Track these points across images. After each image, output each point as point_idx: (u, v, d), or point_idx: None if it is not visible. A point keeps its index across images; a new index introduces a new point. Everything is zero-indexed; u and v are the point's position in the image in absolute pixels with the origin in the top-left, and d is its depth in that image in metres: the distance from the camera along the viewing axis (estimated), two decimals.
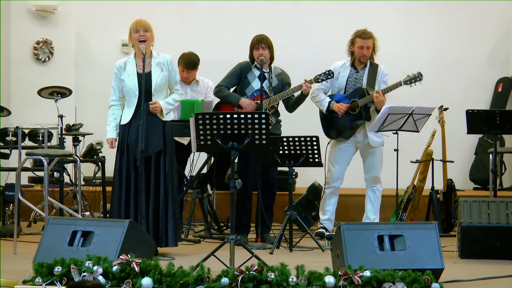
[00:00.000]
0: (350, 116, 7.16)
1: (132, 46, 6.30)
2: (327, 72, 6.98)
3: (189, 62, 7.52)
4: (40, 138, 7.50)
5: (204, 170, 7.71)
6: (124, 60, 6.34)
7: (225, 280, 4.62)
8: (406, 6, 9.68)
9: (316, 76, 6.98)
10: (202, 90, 7.62)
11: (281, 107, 7.16)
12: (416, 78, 7.09)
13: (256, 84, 6.96)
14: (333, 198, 7.33)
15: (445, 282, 4.89)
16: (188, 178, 7.49)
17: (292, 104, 7.09)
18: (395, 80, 7.13)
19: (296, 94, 7.03)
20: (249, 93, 6.98)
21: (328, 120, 7.26)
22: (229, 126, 5.49)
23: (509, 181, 9.59)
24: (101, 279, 4.71)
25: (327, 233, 7.08)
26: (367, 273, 4.64)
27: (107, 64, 8.89)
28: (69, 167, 8.13)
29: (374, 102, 7.07)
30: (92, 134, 8.24)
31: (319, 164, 6.80)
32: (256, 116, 5.50)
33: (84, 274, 4.73)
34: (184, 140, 7.41)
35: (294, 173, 7.54)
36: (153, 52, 6.30)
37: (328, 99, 7.21)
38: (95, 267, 4.74)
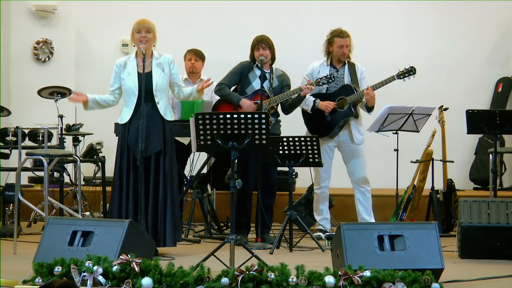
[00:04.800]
0: (338, 113, 7.15)
1: (134, 46, 6.31)
2: (328, 76, 6.98)
3: (198, 51, 7.79)
4: (40, 138, 7.49)
5: (204, 170, 7.71)
6: (124, 59, 6.35)
7: (225, 280, 4.62)
8: (407, 6, 9.70)
9: (317, 80, 6.99)
10: (207, 90, 7.64)
11: (280, 108, 7.16)
12: (409, 72, 7.09)
13: (256, 84, 6.96)
14: (325, 197, 7.34)
15: (445, 282, 4.89)
16: (188, 178, 7.50)
17: (289, 106, 7.08)
18: (384, 78, 7.13)
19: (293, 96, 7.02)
20: (250, 92, 6.98)
21: (315, 119, 7.23)
22: (229, 126, 5.48)
23: (509, 181, 9.59)
24: (101, 279, 4.71)
25: (327, 234, 7.07)
26: (367, 273, 4.64)
27: (107, 64, 8.87)
28: (69, 167, 8.13)
29: (363, 98, 7.07)
30: (92, 134, 8.24)
31: (319, 164, 6.79)
32: (256, 116, 5.50)
33: (84, 274, 4.73)
34: (185, 140, 7.42)
35: (294, 173, 7.54)
36: (154, 53, 6.31)
37: (312, 98, 7.18)
38: (95, 267, 4.74)
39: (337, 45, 7.16)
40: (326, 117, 7.15)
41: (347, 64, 7.22)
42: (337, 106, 7.12)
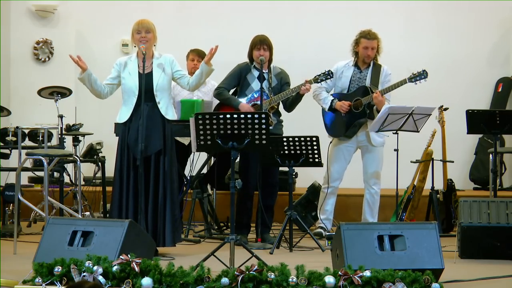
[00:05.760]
0: (353, 114, 7.16)
1: (135, 46, 6.31)
2: (326, 73, 6.98)
3: (201, 52, 7.74)
4: (40, 138, 7.49)
5: (204, 170, 7.71)
6: (125, 59, 6.35)
7: (225, 280, 4.62)
8: (407, 6, 9.69)
9: (315, 77, 6.99)
10: (209, 92, 7.64)
11: (281, 107, 7.16)
12: (421, 76, 7.09)
13: (255, 85, 6.97)
14: (332, 197, 7.34)
15: (445, 282, 4.89)
16: (188, 178, 7.50)
17: (290, 104, 7.09)
18: (397, 81, 7.14)
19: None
20: (249, 94, 6.99)
21: (333, 119, 7.26)
22: (229, 126, 5.49)
23: (509, 181, 9.59)
24: (101, 279, 4.71)
25: (327, 233, 7.08)
26: (367, 273, 4.64)
27: (107, 64, 8.86)
28: (69, 167, 8.13)
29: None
30: (92, 134, 8.24)
31: (319, 164, 6.80)
32: (256, 116, 5.50)
33: (84, 274, 4.73)
34: (185, 140, 7.42)
35: (294, 173, 7.54)
36: (155, 53, 6.31)
37: (331, 98, 7.22)
38: (95, 267, 4.74)
39: (362, 46, 7.17)
40: (342, 117, 7.16)
41: (371, 66, 7.23)
42: (353, 106, 7.13)
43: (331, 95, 7.26)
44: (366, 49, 7.17)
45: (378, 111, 7.12)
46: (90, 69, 6.29)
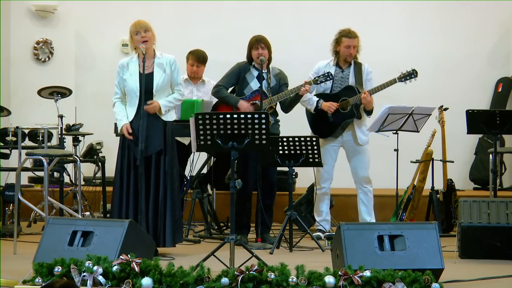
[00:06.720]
0: (340, 114, 7.15)
1: (134, 48, 6.29)
2: (326, 74, 6.98)
3: (200, 56, 7.69)
4: (40, 138, 7.50)
5: (204, 170, 7.71)
6: (127, 60, 6.34)
7: (225, 280, 4.62)
8: (407, 6, 9.69)
9: (315, 78, 6.99)
10: (209, 91, 7.64)
11: (279, 107, 7.16)
12: (411, 75, 7.09)
13: (254, 85, 6.96)
14: (326, 198, 7.33)
15: (445, 282, 4.89)
16: (188, 178, 7.50)
17: (288, 105, 7.08)
18: (386, 81, 7.14)
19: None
20: (248, 93, 6.98)
21: (318, 119, 7.24)
22: (229, 126, 5.48)
23: (509, 181, 9.59)
24: (101, 279, 4.71)
25: (326, 234, 7.07)
26: (367, 273, 4.64)
27: (107, 64, 8.93)
28: (69, 167, 8.13)
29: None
30: (92, 134, 8.24)
31: (319, 164, 6.80)
32: (256, 116, 5.50)
33: (84, 274, 4.73)
34: (185, 140, 7.42)
35: (294, 173, 7.54)
36: (156, 52, 6.31)
37: (316, 98, 7.19)
38: (95, 267, 4.74)
39: (344, 45, 7.16)
40: (329, 117, 7.15)
41: (353, 65, 7.22)
42: (339, 107, 7.12)
43: (314, 95, 7.23)
44: (348, 48, 7.16)
45: (365, 111, 7.12)
46: (125, 121, 6.20)
